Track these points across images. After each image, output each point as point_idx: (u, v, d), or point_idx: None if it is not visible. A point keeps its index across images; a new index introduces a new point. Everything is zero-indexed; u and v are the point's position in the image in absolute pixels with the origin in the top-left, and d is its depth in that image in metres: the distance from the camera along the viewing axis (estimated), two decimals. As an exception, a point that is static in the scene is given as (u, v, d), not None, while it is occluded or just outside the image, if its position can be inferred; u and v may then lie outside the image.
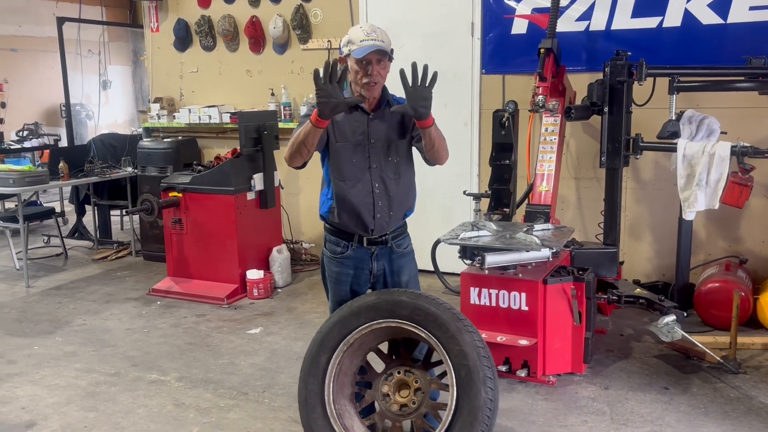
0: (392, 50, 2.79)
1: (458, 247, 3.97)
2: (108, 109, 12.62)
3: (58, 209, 7.88)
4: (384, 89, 2.86)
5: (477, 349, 2.54)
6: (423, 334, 2.66)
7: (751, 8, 4.82)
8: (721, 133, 4.51)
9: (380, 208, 2.84)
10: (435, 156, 2.81)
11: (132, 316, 5.25)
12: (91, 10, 11.10)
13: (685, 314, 4.13)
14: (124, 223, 8.37)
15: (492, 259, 3.84)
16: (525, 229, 3.98)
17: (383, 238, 2.91)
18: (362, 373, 2.94)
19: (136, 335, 4.85)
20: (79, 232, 7.58)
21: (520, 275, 3.92)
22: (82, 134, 11.32)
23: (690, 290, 4.89)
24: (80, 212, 7.62)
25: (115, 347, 4.63)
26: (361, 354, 2.87)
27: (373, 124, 2.83)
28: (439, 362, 2.74)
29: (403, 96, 2.68)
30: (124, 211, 7.82)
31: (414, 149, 2.96)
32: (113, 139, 7.60)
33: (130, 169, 7.03)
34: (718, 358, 4.04)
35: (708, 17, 4.95)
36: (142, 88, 12.54)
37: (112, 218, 7.82)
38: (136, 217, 7.03)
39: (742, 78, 4.46)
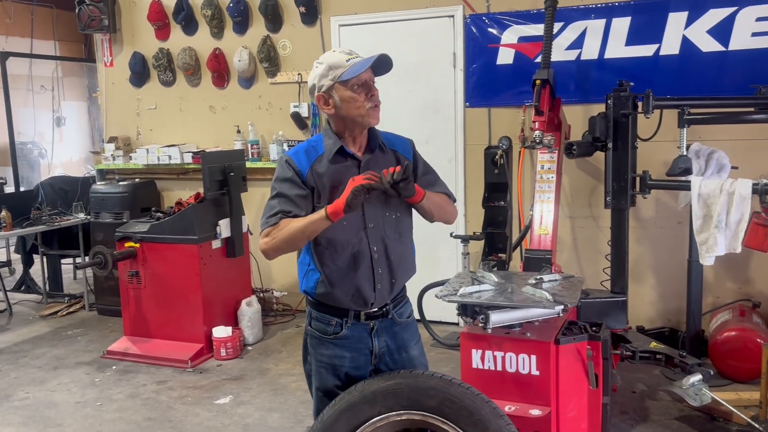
0: None
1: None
2: (62, 146, 11.98)
3: (2, 259, 7.21)
4: (372, 129, 2.37)
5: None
6: None
7: (754, 34, 4.55)
8: (732, 168, 4.17)
9: (381, 276, 2.34)
10: (439, 220, 2.46)
11: (83, 386, 4.63)
12: (43, 45, 10.54)
13: (711, 373, 3.71)
14: (76, 273, 7.71)
15: (497, 318, 3.36)
16: (533, 281, 3.53)
17: (384, 309, 2.41)
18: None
19: (88, 410, 4.24)
20: (26, 284, 6.94)
21: (528, 334, 3.45)
22: (30, 176, 10.64)
23: (701, 338, 4.51)
24: (27, 263, 6.97)
25: (61, 427, 4.02)
26: None
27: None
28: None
29: (393, 132, 2.31)
30: (75, 263, 7.17)
31: None
32: (64, 182, 6.98)
33: (82, 215, 6.44)
34: (748, 419, 3.62)
35: (708, 44, 4.66)
36: (98, 126, 11.98)
37: (64, 268, 7.17)
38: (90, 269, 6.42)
39: (752, 109, 4.15)
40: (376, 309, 2.39)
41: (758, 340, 4.13)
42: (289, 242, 2.24)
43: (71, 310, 6.46)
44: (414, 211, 2.46)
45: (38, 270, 6.94)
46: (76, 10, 6.28)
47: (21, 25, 10.16)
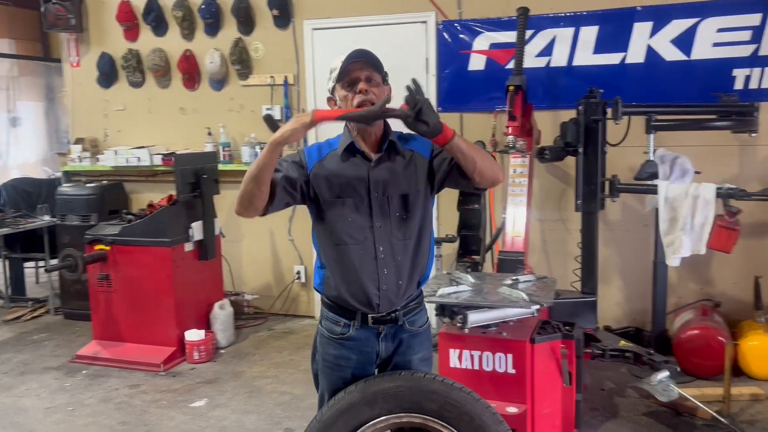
0: (386, 73, 2.34)
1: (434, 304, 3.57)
2: (18, 148, 11.68)
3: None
4: (386, 126, 2.36)
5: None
6: None
7: (714, 44, 4.74)
8: (696, 173, 4.34)
9: (386, 277, 2.30)
10: (484, 174, 2.22)
11: (53, 391, 4.55)
12: (-1, 43, 10.26)
13: (678, 369, 3.86)
14: (39, 276, 7.56)
15: (475, 318, 3.44)
16: (509, 282, 3.62)
17: (393, 315, 2.36)
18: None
19: (59, 415, 4.18)
20: (-13, 289, 6.76)
21: (504, 334, 3.54)
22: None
23: (666, 337, 4.67)
24: (-12, 266, 6.80)
25: (32, 433, 3.96)
26: None
27: (376, 173, 2.30)
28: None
29: (408, 131, 2.18)
30: (43, 267, 7.01)
31: (458, 185, 2.36)
32: (27, 184, 6.85)
33: (47, 217, 6.31)
34: (713, 413, 3.77)
35: (671, 54, 4.83)
36: (57, 127, 11.71)
37: (27, 271, 7.02)
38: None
39: (715, 116, 4.34)
40: (383, 313, 2.35)
41: (720, 338, 4.30)
42: (246, 183, 2.20)
43: (35, 314, 6.33)
44: (425, 217, 2.40)
45: (-1, 274, 6.81)
46: (42, 9, 6.18)
47: (-26, 23, 9.90)
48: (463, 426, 2.21)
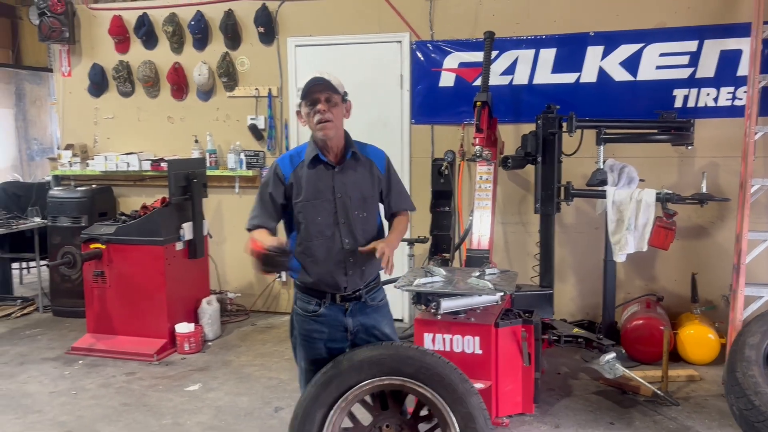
0: (345, 93, 2.80)
1: (411, 293, 4.03)
2: (-14, 154, 11.75)
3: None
4: (347, 137, 2.83)
5: (483, 412, 2.58)
6: (428, 394, 2.62)
7: (657, 67, 5.32)
8: (640, 180, 4.90)
9: (352, 264, 2.77)
10: None
11: (54, 378, 4.88)
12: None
13: (623, 351, 4.38)
14: (23, 277, 7.82)
15: (447, 304, 3.92)
16: (477, 274, 4.10)
17: (357, 293, 2.84)
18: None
19: (63, 398, 4.52)
20: (-25, 288, 7.00)
21: (472, 319, 4.02)
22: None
23: (615, 328, 5.20)
24: (-23, 267, 7.05)
25: (41, 413, 4.28)
26: (349, 407, 2.82)
27: (339, 178, 2.78)
28: (427, 417, 2.75)
29: (370, 143, 2.81)
30: (29, 267, 7.31)
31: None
32: (17, 187, 7.13)
33: (38, 219, 6.61)
34: (655, 389, 4.29)
35: (620, 74, 5.40)
36: (26, 133, 11.82)
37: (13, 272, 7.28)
38: (44, 271, 6.61)
39: (656, 130, 4.90)
40: (350, 292, 2.81)
41: (661, 327, 4.84)
42: None
43: (24, 312, 6.60)
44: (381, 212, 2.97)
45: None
46: (38, 22, 6.50)
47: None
48: (435, 385, 2.64)
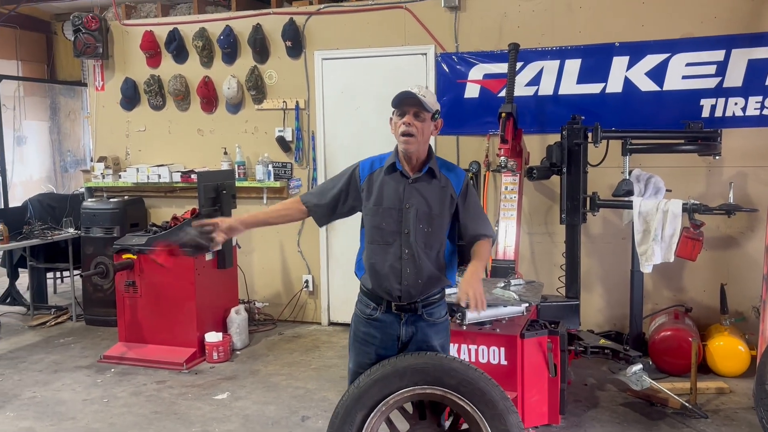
0: (437, 111, 2.84)
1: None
2: (22, 166, 12.08)
3: (-13, 273, 7.46)
4: (430, 151, 2.85)
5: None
6: (468, 408, 2.64)
7: (684, 77, 5.30)
8: (667, 190, 4.88)
9: (408, 275, 2.78)
10: None
11: (87, 386, 5.00)
12: (6, 65, 10.70)
13: (650, 363, 4.35)
14: (57, 286, 8.00)
15: (472, 315, 3.94)
16: (502, 284, 4.12)
17: (412, 305, 2.85)
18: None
19: (96, 406, 4.62)
20: (11, 297, 7.18)
21: (498, 330, 4.03)
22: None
23: (642, 339, 5.16)
24: (13, 276, 7.23)
25: (75, 420, 4.39)
26: (389, 412, 2.83)
27: (410, 189, 2.80)
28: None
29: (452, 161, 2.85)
30: (63, 276, 7.49)
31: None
32: (51, 199, 7.31)
33: (72, 230, 6.77)
34: (684, 402, 4.26)
35: (646, 85, 5.39)
36: (61, 146, 12.12)
37: (47, 282, 7.46)
38: (77, 281, 6.76)
39: (683, 141, 4.88)
40: (404, 302, 2.81)
41: (690, 338, 4.80)
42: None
43: (59, 320, 6.76)
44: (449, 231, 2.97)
45: (19, 283, 7.22)
46: (73, 38, 6.70)
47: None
48: (476, 400, 2.64)
